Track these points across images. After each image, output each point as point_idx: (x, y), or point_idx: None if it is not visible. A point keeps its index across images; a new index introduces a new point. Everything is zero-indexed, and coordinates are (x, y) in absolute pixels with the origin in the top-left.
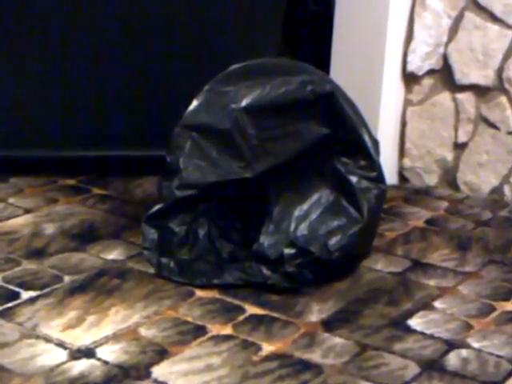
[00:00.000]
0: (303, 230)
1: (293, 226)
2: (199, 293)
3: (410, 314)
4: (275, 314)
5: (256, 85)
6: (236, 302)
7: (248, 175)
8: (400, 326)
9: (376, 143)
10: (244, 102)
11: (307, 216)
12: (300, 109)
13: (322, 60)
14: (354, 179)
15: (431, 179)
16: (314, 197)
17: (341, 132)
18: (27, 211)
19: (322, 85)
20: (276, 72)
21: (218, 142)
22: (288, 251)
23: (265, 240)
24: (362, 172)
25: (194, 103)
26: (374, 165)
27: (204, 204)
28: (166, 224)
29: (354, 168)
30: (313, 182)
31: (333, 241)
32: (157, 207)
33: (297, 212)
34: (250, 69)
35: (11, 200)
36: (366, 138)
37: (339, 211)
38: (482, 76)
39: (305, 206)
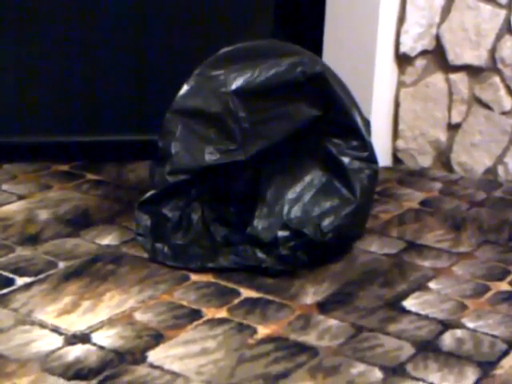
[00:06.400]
0: (296, 212)
1: (286, 208)
2: (194, 277)
3: (405, 295)
4: (270, 297)
5: (246, 68)
6: (231, 285)
7: (240, 158)
8: (395, 307)
9: (367, 123)
10: (234, 85)
11: (300, 198)
12: (290, 90)
13: (315, 42)
14: (345, 160)
15: (425, 160)
16: (307, 178)
17: (332, 113)
18: (21, 197)
19: (312, 66)
20: (266, 54)
21: (210, 126)
22: (282, 234)
23: (258, 223)
24: (353, 152)
25: (185, 88)
26: (365, 145)
27: (197, 188)
28: (160, 210)
29: (346, 149)
30: (305, 164)
31: (326, 222)
32: (149, 193)
33: (289, 194)
34: (240, 52)
35: (4, 186)
36: (357, 118)
37: (332, 192)
38: (475, 56)
39: (297, 188)
